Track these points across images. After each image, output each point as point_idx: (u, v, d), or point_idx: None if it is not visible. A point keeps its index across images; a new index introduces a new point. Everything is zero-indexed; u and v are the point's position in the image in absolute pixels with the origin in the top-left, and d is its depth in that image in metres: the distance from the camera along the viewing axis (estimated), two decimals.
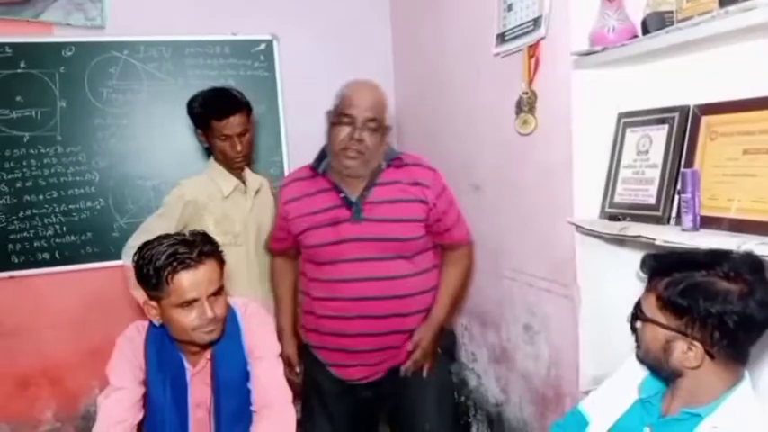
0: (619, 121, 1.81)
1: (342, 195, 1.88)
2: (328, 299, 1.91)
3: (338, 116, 1.85)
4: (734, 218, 1.43)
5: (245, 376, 1.64)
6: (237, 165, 2.22)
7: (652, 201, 1.66)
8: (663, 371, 1.22)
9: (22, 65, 2.57)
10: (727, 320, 1.08)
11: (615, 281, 1.82)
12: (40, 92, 2.60)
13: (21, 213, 2.62)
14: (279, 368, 1.65)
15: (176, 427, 1.62)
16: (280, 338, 1.83)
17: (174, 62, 2.74)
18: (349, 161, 1.83)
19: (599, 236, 1.75)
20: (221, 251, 1.61)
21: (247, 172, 2.32)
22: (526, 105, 1.97)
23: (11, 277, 2.63)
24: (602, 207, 1.81)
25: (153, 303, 1.54)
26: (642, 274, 1.25)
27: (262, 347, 1.65)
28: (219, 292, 1.57)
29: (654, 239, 1.49)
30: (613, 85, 1.79)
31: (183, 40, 2.75)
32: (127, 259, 2.01)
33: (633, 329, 1.26)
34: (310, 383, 2.04)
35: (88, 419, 2.74)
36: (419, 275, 1.92)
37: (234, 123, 2.14)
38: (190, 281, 1.50)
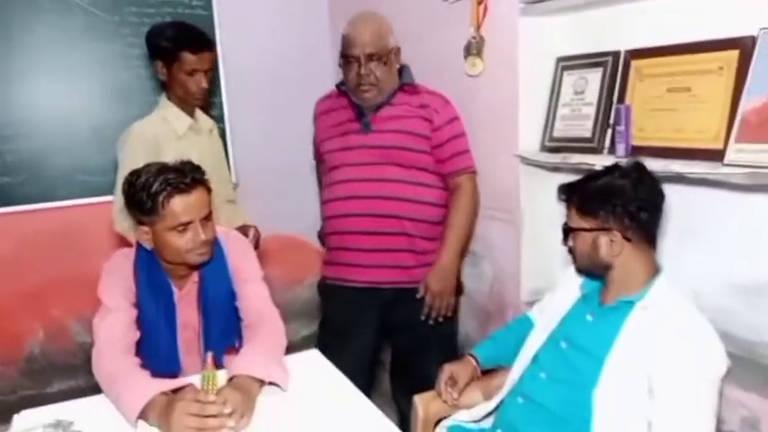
0: (557, 64, 2.05)
1: (356, 112, 2.11)
2: (332, 199, 2.15)
3: (343, 57, 2.05)
4: (660, 146, 1.71)
5: (232, 296, 1.75)
6: (198, 102, 2.21)
7: (588, 134, 1.92)
8: (597, 269, 1.44)
9: None
10: (629, 207, 1.35)
11: (552, 205, 2.08)
12: None
13: None
14: (264, 288, 1.77)
15: (168, 347, 1.71)
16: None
17: None
18: (365, 94, 2.05)
19: (541, 166, 2.00)
20: (207, 178, 1.69)
21: (198, 112, 2.29)
22: (474, 49, 2.17)
23: None
24: (543, 141, 2.06)
25: (145, 228, 1.61)
26: (562, 199, 1.49)
27: (247, 269, 1.76)
28: (209, 216, 1.67)
29: (593, 165, 1.75)
30: (553, 32, 2.03)
31: None
32: (120, 228, 2.05)
33: (568, 248, 1.49)
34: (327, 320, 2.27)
35: (32, 362, 2.74)
36: (414, 185, 2.07)
37: (206, 59, 2.12)
38: (184, 204, 1.58)
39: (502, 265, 2.22)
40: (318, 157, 2.30)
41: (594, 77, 1.93)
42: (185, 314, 1.75)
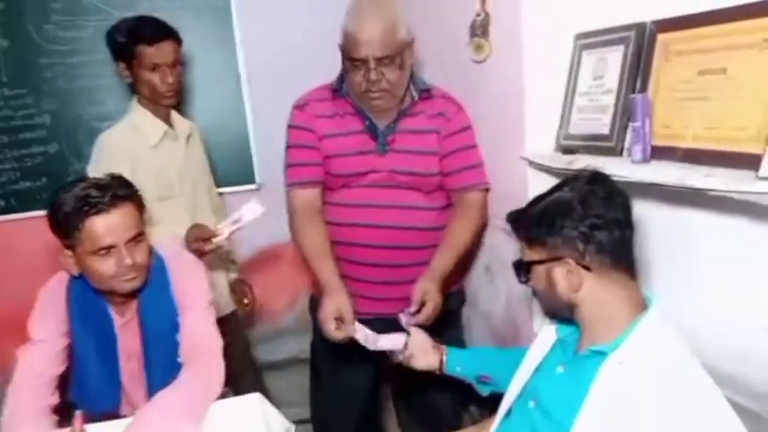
0: (576, 42, 1.65)
1: (366, 122, 1.80)
2: (338, 224, 1.85)
3: (347, 60, 1.72)
4: (689, 147, 1.29)
5: (175, 327, 1.56)
6: (168, 101, 2.00)
7: (606, 130, 1.52)
8: (560, 310, 1.19)
9: None
10: (580, 227, 1.10)
11: None
12: None
13: None
14: (208, 318, 1.57)
15: (103, 380, 1.56)
16: (320, 294, 1.71)
17: None
18: (375, 101, 1.76)
19: (549, 171, 1.62)
20: (139, 194, 1.51)
21: (174, 115, 2.10)
22: (479, 28, 1.81)
23: None
24: (557, 139, 1.68)
25: (68, 252, 1.46)
26: (511, 229, 1.24)
27: (190, 296, 1.57)
28: (140, 237, 1.48)
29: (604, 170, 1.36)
30: (571, 3, 1.63)
31: None
32: None
33: (532, 290, 1.24)
34: (319, 344, 1.96)
35: None
36: (437, 211, 1.85)
37: (166, 50, 1.93)
38: (104, 226, 1.41)
39: (514, 286, 1.86)
40: (322, 172, 1.87)
41: (615, 58, 1.51)
42: (128, 343, 1.59)
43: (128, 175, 1.84)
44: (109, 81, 2.55)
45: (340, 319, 1.63)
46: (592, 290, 1.12)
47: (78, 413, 1.29)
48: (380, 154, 1.81)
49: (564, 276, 1.13)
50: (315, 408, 2.16)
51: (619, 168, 1.33)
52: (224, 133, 2.73)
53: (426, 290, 1.73)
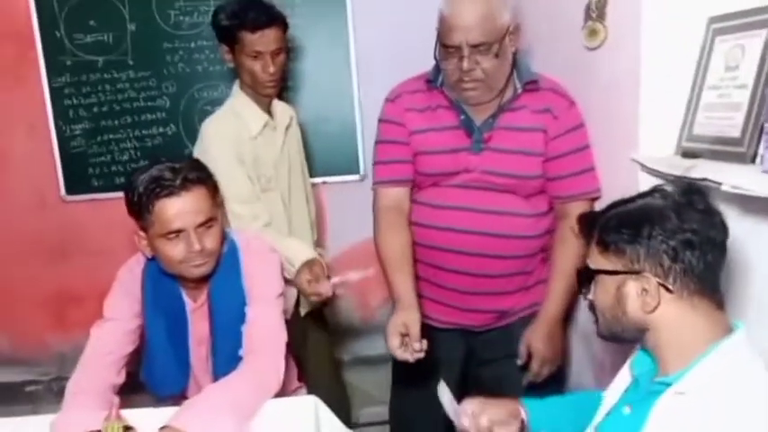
0: (708, 27, 1.39)
1: (462, 117, 1.66)
2: (424, 225, 1.72)
3: (441, 47, 1.59)
4: None
5: (242, 317, 1.51)
6: (268, 90, 1.94)
7: (736, 133, 1.26)
8: (624, 331, 1.03)
9: None
10: (670, 241, 0.95)
11: None
12: (111, 15, 2.58)
13: (98, 138, 2.68)
14: (274, 311, 1.51)
15: (172, 362, 1.56)
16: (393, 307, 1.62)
17: None
18: (468, 92, 1.60)
19: (663, 176, 1.38)
20: (213, 178, 1.48)
21: (275, 103, 2.03)
22: (595, 11, 1.59)
23: (92, 200, 2.74)
24: (679, 140, 1.43)
25: (142, 234, 1.46)
26: (581, 232, 1.08)
27: (259, 287, 1.52)
28: (211, 223, 1.45)
29: (720, 184, 1.13)
30: None
31: None
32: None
33: (589, 303, 1.08)
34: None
35: None
36: (532, 217, 1.68)
37: (269, 38, 1.86)
38: (174, 209, 1.39)
39: None
40: (411, 170, 1.74)
41: (754, 45, 1.25)
42: (199, 329, 1.58)
43: (233, 164, 1.86)
44: (221, 67, 2.59)
45: (406, 335, 1.52)
46: (668, 314, 0.97)
47: (116, 401, 1.28)
48: (475, 152, 1.64)
49: (638, 294, 0.98)
50: (391, 411, 2.06)
51: (744, 180, 1.08)
52: (330, 122, 2.70)
53: (531, 341, 1.63)
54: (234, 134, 1.90)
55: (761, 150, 1.19)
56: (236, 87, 1.99)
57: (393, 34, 2.62)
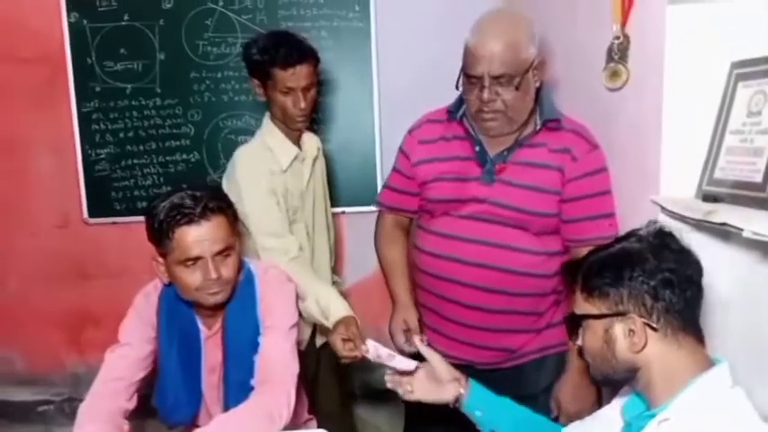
0: (731, 72, 1.39)
1: (476, 148, 1.67)
2: (433, 254, 1.72)
3: (464, 76, 1.61)
4: None
5: (256, 346, 1.52)
6: (299, 125, 1.96)
7: (758, 178, 1.24)
8: (615, 373, 1.07)
9: (126, 17, 2.64)
10: (649, 280, 1.01)
11: (718, 284, 1.41)
12: (141, 44, 2.66)
13: (123, 162, 2.75)
14: (287, 342, 1.51)
15: (184, 389, 1.56)
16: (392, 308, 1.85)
17: (267, 13, 2.65)
18: (487, 123, 1.61)
19: (683, 219, 1.37)
20: (233, 207, 1.50)
21: (305, 135, 2.05)
22: (617, 53, 1.60)
23: (113, 223, 2.78)
24: (700, 183, 1.42)
25: (160, 260, 1.48)
26: (567, 282, 1.14)
27: (272, 316, 1.52)
28: (229, 251, 1.47)
29: (741, 229, 1.11)
30: (728, 26, 1.38)
31: None
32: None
33: (578, 349, 1.13)
34: None
35: None
36: (542, 255, 1.66)
37: (301, 74, 1.86)
38: (193, 237, 1.41)
39: None
40: (413, 203, 1.82)
41: None
42: (212, 357, 1.58)
43: (266, 198, 1.87)
44: (246, 97, 2.65)
45: (408, 331, 1.77)
46: (655, 352, 1.02)
47: (126, 427, 1.28)
48: (486, 183, 1.64)
49: (625, 335, 1.03)
50: None
51: (765, 225, 1.07)
52: (352, 154, 2.74)
53: (558, 396, 1.65)
54: (266, 168, 1.91)
55: None
56: (266, 119, 2.01)
57: (416, 69, 2.67)
